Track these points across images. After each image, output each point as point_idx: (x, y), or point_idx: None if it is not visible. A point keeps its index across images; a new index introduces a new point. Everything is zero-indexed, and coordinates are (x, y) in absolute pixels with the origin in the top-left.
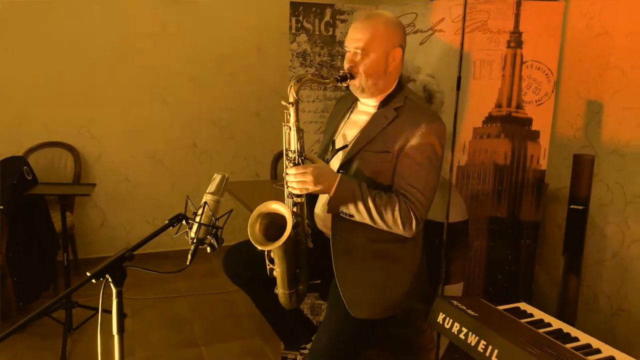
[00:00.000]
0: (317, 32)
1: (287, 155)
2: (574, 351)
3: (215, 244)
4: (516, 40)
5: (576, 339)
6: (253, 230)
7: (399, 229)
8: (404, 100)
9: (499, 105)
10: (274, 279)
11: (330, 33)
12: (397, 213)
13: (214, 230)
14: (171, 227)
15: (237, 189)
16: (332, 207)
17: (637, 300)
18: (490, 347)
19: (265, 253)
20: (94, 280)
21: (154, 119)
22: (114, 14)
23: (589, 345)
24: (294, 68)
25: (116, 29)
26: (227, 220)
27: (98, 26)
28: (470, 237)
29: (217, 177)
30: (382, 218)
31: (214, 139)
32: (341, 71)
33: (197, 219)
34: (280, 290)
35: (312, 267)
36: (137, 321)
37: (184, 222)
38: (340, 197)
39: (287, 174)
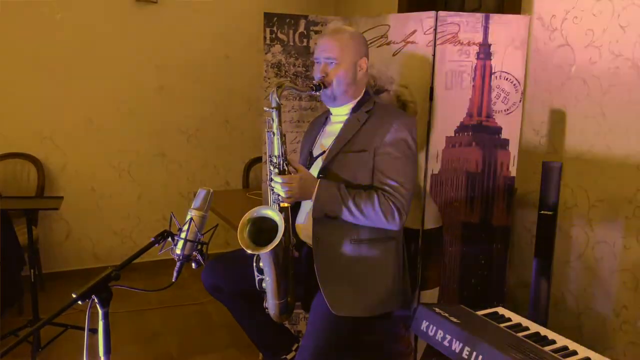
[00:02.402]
0: (291, 43)
1: (271, 161)
2: (553, 354)
3: (201, 260)
4: (485, 52)
5: (553, 342)
6: (242, 237)
7: (383, 222)
8: (373, 104)
9: (470, 115)
10: (255, 292)
11: (305, 44)
12: (377, 207)
13: (200, 246)
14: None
15: (215, 198)
16: (316, 211)
17: (602, 299)
18: (474, 353)
19: (255, 264)
20: (79, 302)
21: (119, 128)
22: (78, 22)
23: (566, 347)
24: (268, 78)
25: (81, 37)
26: (213, 235)
27: (62, 34)
28: (444, 243)
29: (201, 192)
30: (364, 214)
31: (182, 147)
32: (315, 81)
33: (183, 235)
34: (271, 302)
35: (296, 278)
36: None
37: (169, 238)
38: (322, 201)
39: (272, 180)
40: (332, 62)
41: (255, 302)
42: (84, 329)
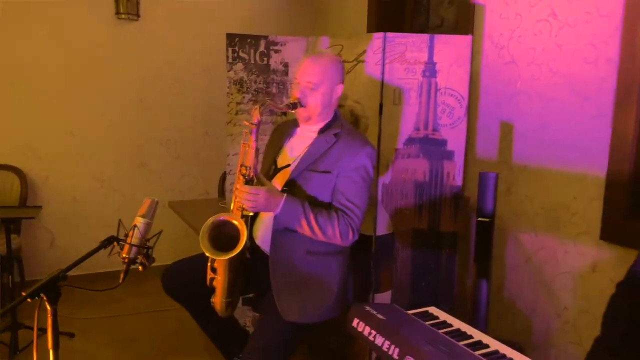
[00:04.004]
0: (252, 61)
1: (241, 170)
2: (464, 347)
3: (147, 263)
4: (430, 70)
5: (470, 337)
6: (204, 242)
7: (338, 240)
8: (341, 127)
9: (417, 129)
10: (212, 291)
11: (265, 62)
12: (336, 227)
13: (145, 250)
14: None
15: (183, 207)
16: (279, 224)
17: (546, 301)
18: (392, 346)
19: (208, 263)
20: (29, 300)
21: (101, 140)
22: (60, 36)
23: (479, 342)
24: (231, 94)
25: (63, 51)
26: (158, 240)
27: (45, 49)
28: (396, 249)
29: (147, 201)
30: (323, 232)
31: (162, 158)
32: (292, 99)
33: (128, 240)
34: (218, 299)
35: (248, 281)
36: (85, 340)
37: (115, 243)
38: (287, 215)
39: (237, 189)
40: (311, 86)
41: (210, 302)
42: (61, 334)
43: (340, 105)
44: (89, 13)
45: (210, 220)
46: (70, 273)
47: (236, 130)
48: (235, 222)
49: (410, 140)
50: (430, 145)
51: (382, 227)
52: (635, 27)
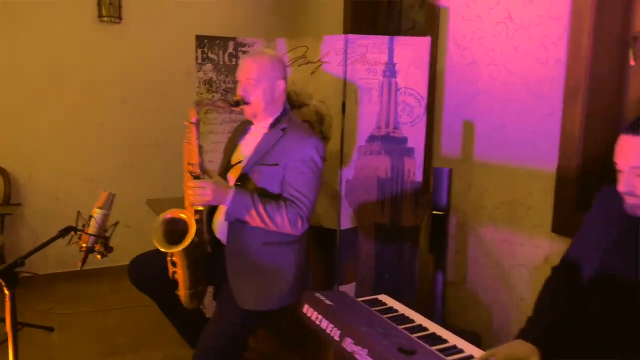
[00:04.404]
0: (221, 62)
1: (187, 168)
2: (402, 330)
3: (104, 252)
4: (390, 70)
5: (412, 321)
6: (157, 236)
7: (287, 229)
8: (288, 122)
9: (378, 127)
10: (176, 283)
11: (234, 63)
12: (285, 216)
13: (103, 240)
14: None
15: (160, 205)
16: (230, 216)
17: (506, 293)
18: (335, 329)
19: (168, 257)
20: None
21: (84, 140)
22: (43, 38)
23: (420, 325)
24: (200, 94)
25: (46, 53)
26: (115, 230)
27: (30, 48)
28: (359, 242)
29: (104, 194)
30: (272, 221)
31: (145, 158)
32: (235, 97)
33: (86, 230)
34: (181, 291)
35: (210, 273)
36: (64, 334)
37: (73, 233)
38: (236, 207)
39: (187, 185)
40: (251, 82)
41: (175, 293)
42: (40, 327)
43: (305, 105)
44: (71, 16)
45: (161, 216)
46: (55, 270)
47: (206, 129)
48: (182, 216)
49: (372, 138)
50: (391, 143)
51: (346, 221)
52: (581, 29)
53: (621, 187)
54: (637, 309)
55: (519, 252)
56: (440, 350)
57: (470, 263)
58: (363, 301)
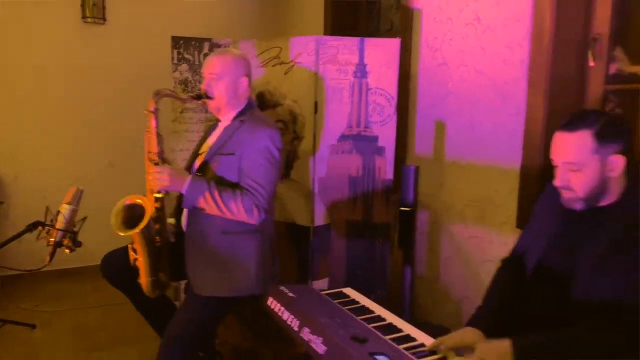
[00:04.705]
0: (197, 63)
1: (149, 157)
2: (360, 320)
3: (73, 247)
4: (361, 71)
5: (372, 312)
6: (116, 220)
7: (244, 217)
8: (250, 116)
9: (350, 126)
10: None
11: None
12: (240, 204)
13: (71, 234)
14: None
15: None
16: (187, 202)
17: (474, 288)
18: (294, 319)
19: (129, 245)
20: None
21: (70, 140)
22: (28, 39)
23: (378, 317)
24: (176, 94)
25: (33, 52)
26: (82, 225)
27: (14, 49)
28: (332, 239)
29: (72, 189)
30: (228, 208)
31: (131, 158)
32: (197, 91)
33: (56, 225)
34: (143, 279)
35: (179, 266)
36: (46, 331)
37: (41, 227)
38: (192, 193)
39: (147, 172)
40: (214, 77)
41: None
42: (22, 324)
43: (280, 104)
44: (55, 17)
45: (120, 202)
46: (53, 268)
47: (182, 127)
48: (139, 201)
49: (343, 137)
50: (363, 142)
51: (319, 218)
52: (542, 31)
53: (557, 182)
54: (570, 302)
55: (487, 248)
56: (394, 339)
57: (442, 260)
58: (327, 294)
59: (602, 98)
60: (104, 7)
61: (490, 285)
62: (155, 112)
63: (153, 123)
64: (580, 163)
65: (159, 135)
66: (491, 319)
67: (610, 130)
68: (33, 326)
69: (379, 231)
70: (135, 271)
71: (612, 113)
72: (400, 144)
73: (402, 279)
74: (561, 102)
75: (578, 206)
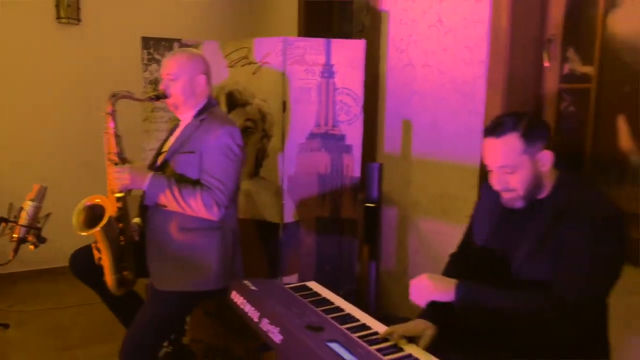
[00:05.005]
0: None
1: (108, 158)
2: (319, 311)
3: (37, 243)
4: (328, 71)
5: (331, 304)
6: (77, 220)
7: (203, 213)
8: (210, 114)
9: (318, 125)
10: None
11: None
12: (199, 200)
13: (35, 230)
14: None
15: None
16: (148, 198)
17: None
18: (254, 311)
19: (93, 244)
20: None
21: (43, 140)
22: (4, 38)
23: (337, 308)
24: (147, 93)
25: (7, 52)
26: (46, 221)
27: None
28: (301, 235)
29: (36, 186)
30: (188, 204)
31: (103, 157)
32: (156, 91)
33: (19, 221)
34: (108, 277)
35: (143, 264)
36: (20, 330)
37: (4, 224)
38: (153, 190)
39: (108, 172)
40: (170, 77)
41: None
42: None
43: (249, 103)
44: (30, 17)
45: (81, 203)
46: (16, 269)
47: (152, 127)
48: (98, 201)
49: (312, 136)
50: (330, 140)
51: (289, 215)
52: (500, 32)
53: (496, 186)
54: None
55: (451, 242)
56: (349, 328)
57: (410, 254)
58: (290, 287)
59: (556, 96)
60: (78, 8)
61: None
62: (113, 113)
63: (111, 124)
64: (513, 165)
65: (117, 136)
66: (441, 312)
67: (534, 129)
68: (6, 326)
69: (347, 227)
70: (102, 268)
71: (530, 113)
72: (370, 143)
73: (369, 272)
74: (518, 101)
75: (519, 204)
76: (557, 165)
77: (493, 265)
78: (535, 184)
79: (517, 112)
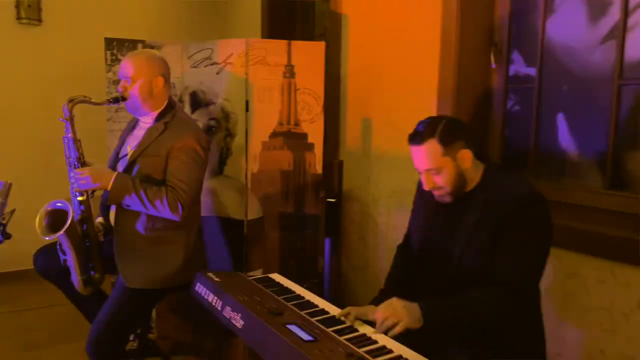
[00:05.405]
0: None
1: (69, 163)
2: (280, 299)
3: (1, 238)
4: (290, 71)
5: (292, 292)
6: (40, 225)
7: (168, 213)
8: (172, 117)
9: (281, 124)
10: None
11: None
12: (164, 200)
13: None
14: None
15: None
16: (112, 199)
17: None
18: (218, 300)
19: (58, 245)
20: None
21: (4, 141)
22: None
23: (298, 295)
24: (110, 93)
25: None
26: (11, 218)
27: None
28: (265, 231)
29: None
30: (152, 204)
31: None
32: (113, 94)
33: None
34: (74, 277)
35: (110, 261)
36: None
37: None
38: (117, 190)
39: (70, 176)
40: (128, 80)
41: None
42: None
43: (212, 103)
44: None
45: (43, 208)
46: None
47: (116, 126)
48: (59, 205)
49: (275, 134)
50: (293, 138)
51: (253, 211)
52: (450, 36)
53: (425, 186)
54: (450, 276)
55: None
56: (308, 313)
57: (370, 248)
58: (253, 279)
59: (503, 96)
60: (39, 9)
61: (390, 269)
62: (71, 119)
63: (71, 129)
64: (437, 167)
65: (76, 141)
66: (389, 297)
67: (450, 133)
68: None
69: (310, 223)
70: (67, 269)
71: (448, 116)
72: (332, 141)
73: (330, 265)
74: (468, 101)
75: (448, 200)
76: (480, 158)
77: (434, 255)
78: (460, 180)
79: (434, 117)
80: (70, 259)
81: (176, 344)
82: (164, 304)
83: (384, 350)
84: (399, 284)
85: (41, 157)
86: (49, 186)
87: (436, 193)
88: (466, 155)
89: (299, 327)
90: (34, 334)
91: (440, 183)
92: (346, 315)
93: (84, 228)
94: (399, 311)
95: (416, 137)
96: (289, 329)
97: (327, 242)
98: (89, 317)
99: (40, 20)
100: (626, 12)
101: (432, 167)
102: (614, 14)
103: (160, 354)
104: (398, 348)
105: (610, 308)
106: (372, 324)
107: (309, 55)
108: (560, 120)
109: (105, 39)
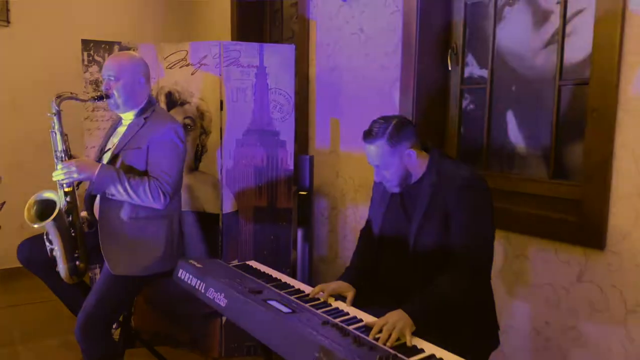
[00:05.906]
0: None
1: (56, 156)
2: (259, 281)
3: None
4: (262, 73)
5: (269, 276)
6: (29, 214)
7: (150, 202)
8: (152, 113)
9: (254, 122)
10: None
11: None
12: (147, 189)
13: None
14: None
15: None
16: (97, 188)
17: None
18: (200, 283)
19: (45, 235)
20: None
21: None
22: None
23: (275, 278)
24: (87, 93)
25: None
26: (1, 209)
27: None
28: (240, 224)
29: None
30: (136, 193)
31: (38, 160)
32: (98, 92)
33: None
34: (60, 266)
35: (93, 252)
36: None
37: None
38: (102, 179)
39: (56, 169)
40: (112, 79)
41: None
42: None
43: (187, 102)
44: None
45: (33, 197)
46: None
47: (93, 125)
48: (46, 195)
49: (248, 132)
50: (266, 136)
51: (228, 206)
52: (410, 40)
53: (376, 178)
54: (408, 256)
55: None
56: (286, 292)
57: (340, 240)
58: (232, 265)
59: (459, 96)
60: (7, 10)
61: (354, 250)
62: (58, 113)
63: (57, 124)
64: (385, 164)
65: (63, 135)
66: (355, 275)
67: (397, 134)
68: None
69: (283, 216)
70: (48, 257)
71: (399, 117)
72: (302, 138)
73: (303, 254)
74: (427, 101)
75: (396, 190)
76: (425, 149)
77: (392, 238)
78: (406, 174)
79: (387, 117)
80: (57, 248)
81: (154, 333)
82: (140, 297)
83: (355, 319)
84: (362, 262)
85: (9, 158)
86: (20, 187)
87: (386, 184)
88: (412, 155)
89: (279, 302)
90: (6, 331)
91: (388, 177)
92: (319, 293)
93: (70, 218)
94: (394, 320)
95: (368, 136)
96: (269, 304)
97: (299, 234)
98: (72, 307)
99: (8, 22)
100: (565, 20)
101: (380, 163)
102: (555, 21)
103: (144, 343)
104: (366, 317)
105: (553, 283)
106: (343, 299)
107: (280, 57)
108: (510, 117)
109: (82, 40)
